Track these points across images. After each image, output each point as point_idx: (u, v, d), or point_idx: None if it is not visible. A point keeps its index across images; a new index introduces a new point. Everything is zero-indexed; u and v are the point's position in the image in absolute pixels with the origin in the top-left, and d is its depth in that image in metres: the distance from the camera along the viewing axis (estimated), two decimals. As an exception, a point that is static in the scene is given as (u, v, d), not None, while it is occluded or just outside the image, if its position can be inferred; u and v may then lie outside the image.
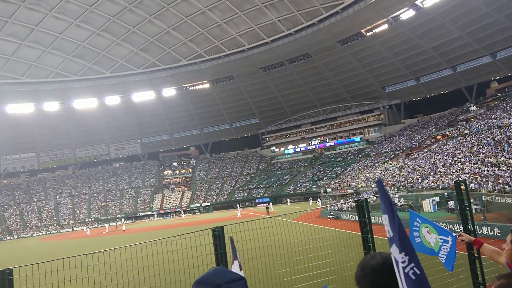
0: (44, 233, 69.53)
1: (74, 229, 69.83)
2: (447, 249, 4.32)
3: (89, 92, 75.39)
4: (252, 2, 57.86)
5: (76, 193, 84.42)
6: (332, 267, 7.19)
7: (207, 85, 78.31)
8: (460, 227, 6.68)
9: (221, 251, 5.61)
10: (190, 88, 79.38)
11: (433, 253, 4.53)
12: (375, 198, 34.17)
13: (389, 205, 1.72)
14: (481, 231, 16.49)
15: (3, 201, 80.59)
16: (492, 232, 16.24)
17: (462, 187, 6.70)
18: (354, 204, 7.85)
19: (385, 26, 57.81)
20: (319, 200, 50.75)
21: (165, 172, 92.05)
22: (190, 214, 74.46)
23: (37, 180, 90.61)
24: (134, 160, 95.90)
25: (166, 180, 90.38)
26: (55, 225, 73.64)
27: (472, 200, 21.86)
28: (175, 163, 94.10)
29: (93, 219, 75.22)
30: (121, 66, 71.63)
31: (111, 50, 67.67)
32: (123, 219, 70.13)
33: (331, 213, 33.60)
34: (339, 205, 36.18)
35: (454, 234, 4.30)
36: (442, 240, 4.36)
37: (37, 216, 76.33)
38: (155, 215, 75.90)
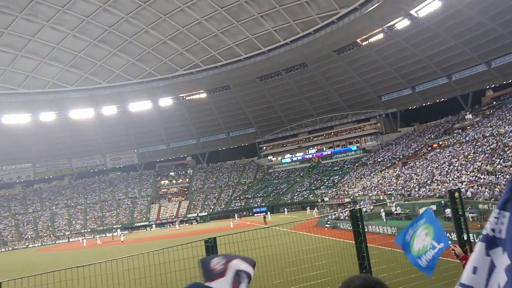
0: (39, 244, 68.88)
1: (70, 240, 69.25)
2: (431, 254, 4.26)
3: (85, 102, 75.31)
4: (249, 12, 58.22)
5: (72, 204, 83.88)
6: (326, 277, 7.12)
7: (203, 95, 78.42)
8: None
9: (214, 263, 5.56)
10: (187, 97, 79.47)
11: (410, 257, 4.46)
12: (372, 207, 34.12)
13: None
14: (478, 239, 16.40)
15: (-2, 212, 79.99)
16: (489, 241, 16.16)
17: (457, 195, 6.70)
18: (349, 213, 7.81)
19: (381, 36, 58.20)
20: (316, 209, 50.62)
21: (162, 182, 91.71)
22: (187, 224, 74.04)
23: (33, 190, 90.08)
24: (130, 170, 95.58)
25: (162, 190, 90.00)
26: (51, 236, 73.03)
27: (468, 208, 21.92)
28: (172, 173, 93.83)
29: (89, 230, 74.64)
30: (117, 76, 71.70)
31: (107, 61, 67.76)
32: (119, 230, 69.72)
33: (328, 222, 33.47)
34: (336, 214, 36.07)
35: (450, 243, 4.25)
36: (430, 245, 4.31)
37: (33, 227, 75.72)
38: (153, 225, 75.42)
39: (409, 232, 4.65)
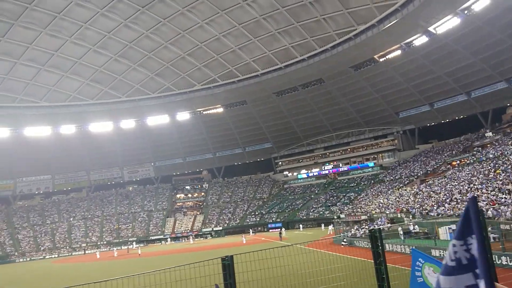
0: (56, 255, 69.60)
1: (86, 252, 69.78)
2: None
3: (104, 115, 76.62)
4: (266, 28, 58.79)
5: (89, 216, 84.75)
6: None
7: (220, 110, 79.01)
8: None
9: (231, 281, 5.51)
10: (204, 112, 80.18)
11: None
12: (389, 225, 33.56)
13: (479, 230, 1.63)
14: (500, 261, 15.97)
15: (17, 223, 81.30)
16: None
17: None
18: (367, 232, 7.68)
19: (398, 52, 57.99)
20: (332, 226, 49.95)
21: (178, 195, 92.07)
22: (202, 238, 73.91)
23: (52, 202, 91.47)
24: (147, 183, 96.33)
25: (178, 204, 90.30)
26: (67, 247, 73.74)
27: (489, 229, 21.38)
28: (187, 187, 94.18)
29: (105, 242, 75.15)
30: (136, 91, 72.87)
31: (127, 75, 69.01)
32: (134, 243, 70.02)
33: (345, 240, 33.01)
34: (352, 232, 35.57)
35: None
36: None
37: (50, 239, 76.62)
38: (168, 239, 75.51)
39: (417, 275, 4.56)
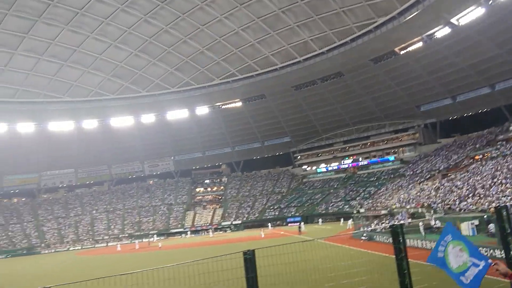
0: (79, 247, 71.26)
1: (109, 244, 71.24)
2: (473, 272, 4.08)
3: (125, 110, 77.70)
4: (285, 22, 58.48)
5: (111, 209, 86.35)
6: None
7: (239, 104, 79.18)
8: (501, 252, 6.37)
9: (253, 275, 5.58)
10: (223, 106, 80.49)
11: (451, 274, 4.32)
12: (410, 220, 33.23)
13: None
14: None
15: (42, 216, 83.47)
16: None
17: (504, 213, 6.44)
18: (388, 227, 7.66)
19: (420, 44, 56.95)
20: (352, 220, 49.69)
21: (197, 189, 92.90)
22: (221, 232, 74.52)
23: (75, 195, 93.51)
24: (167, 177, 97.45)
25: (198, 198, 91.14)
26: (90, 239, 75.41)
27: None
28: (207, 181, 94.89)
29: (126, 235, 76.53)
30: (156, 85, 73.60)
31: (147, 70, 69.75)
32: (155, 236, 71.09)
33: (364, 234, 32.85)
34: (372, 226, 35.35)
35: (489, 261, 4.05)
36: (471, 263, 4.14)
37: (74, 231, 78.46)
38: (188, 232, 76.41)
39: (440, 249, 4.52)
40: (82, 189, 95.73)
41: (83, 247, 71.50)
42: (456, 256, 4.32)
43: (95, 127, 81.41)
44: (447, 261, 4.41)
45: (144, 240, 69.03)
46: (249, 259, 5.68)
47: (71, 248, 70.78)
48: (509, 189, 30.37)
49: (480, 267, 4.10)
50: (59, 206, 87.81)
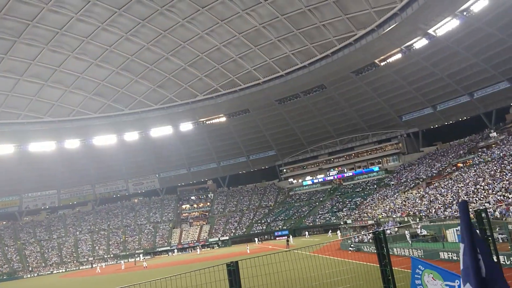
0: (63, 270, 69.54)
1: (93, 265, 69.68)
2: None
3: (108, 128, 76.97)
4: (266, 37, 59.11)
5: (96, 229, 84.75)
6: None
7: (223, 119, 79.20)
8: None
9: (236, 287, 5.50)
10: (207, 122, 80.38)
11: None
12: (396, 229, 33.37)
13: (468, 233, 1.64)
14: (509, 261, 15.83)
15: (24, 239, 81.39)
16: (520, 263, 15.55)
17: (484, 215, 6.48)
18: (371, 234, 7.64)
19: (399, 56, 58.09)
20: (339, 231, 49.74)
21: (183, 206, 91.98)
22: (208, 248, 73.67)
23: (58, 217, 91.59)
24: (152, 195, 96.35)
25: (184, 214, 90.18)
26: (74, 261, 73.68)
27: (497, 229, 21.19)
28: (193, 197, 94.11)
29: (112, 255, 75.05)
30: (139, 103, 73.24)
31: (129, 88, 69.43)
32: (141, 255, 69.89)
33: (352, 245, 32.83)
34: (359, 237, 35.38)
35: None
36: (448, 287, 4.17)
37: (57, 253, 76.62)
38: (175, 250, 75.34)
39: (417, 282, 4.53)
40: (65, 210, 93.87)
41: (67, 269, 69.78)
42: (433, 285, 4.35)
43: (77, 147, 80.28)
44: None
45: (130, 260, 67.76)
46: (233, 270, 5.61)
47: (54, 271, 69.03)
48: (492, 195, 30.84)
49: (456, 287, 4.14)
50: (42, 228, 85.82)
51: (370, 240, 32.69)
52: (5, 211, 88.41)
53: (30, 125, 70.86)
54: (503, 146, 46.26)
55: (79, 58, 60.66)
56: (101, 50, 60.03)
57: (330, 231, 59.29)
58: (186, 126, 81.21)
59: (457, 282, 4.05)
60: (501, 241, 19.41)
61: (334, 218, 66.35)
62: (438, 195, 40.44)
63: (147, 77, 67.57)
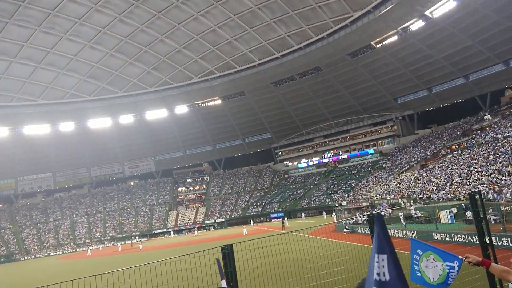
0: (61, 252, 70.00)
1: (90, 248, 70.12)
2: (454, 274, 4.16)
3: (103, 111, 76.52)
4: (261, 18, 58.45)
5: (92, 212, 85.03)
6: (344, 284, 7.04)
7: (218, 102, 78.86)
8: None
9: (231, 270, 5.55)
10: (202, 104, 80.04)
11: (439, 286, 4.35)
12: (390, 211, 33.72)
13: (389, 244, 1.67)
14: (501, 242, 16.08)
15: (20, 222, 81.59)
16: (512, 244, 15.80)
17: (477, 197, 6.54)
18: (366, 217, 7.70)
19: (395, 38, 57.72)
20: (334, 213, 50.21)
21: (179, 189, 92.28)
22: (205, 230, 74.29)
23: (54, 199, 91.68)
24: (148, 177, 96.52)
25: (180, 197, 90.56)
26: (71, 244, 74.11)
27: (490, 211, 21.48)
28: (189, 180, 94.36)
29: (108, 238, 75.52)
30: (134, 85, 72.68)
31: (124, 70, 68.77)
32: (138, 237, 70.37)
33: (347, 227, 33.21)
34: (354, 219, 35.74)
35: (460, 257, 4.12)
36: (448, 267, 4.21)
37: (54, 236, 76.98)
38: (171, 232, 75.90)
39: (416, 268, 4.54)
40: (61, 193, 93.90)
41: (64, 252, 70.24)
42: (433, 267, 4.35)
43: (72, 130, 79.89)
44: (426, 278, 4.44)
45: (127, 242, 68.26)
46: (228, 253, 5.65)
47: (51, 254, 69.45)
48: (485, 177, 31.12)
49: (456, 268, 4.17)
50: (38, 211, 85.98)
51: (365, 222, 33.07)
52: (1, 194, 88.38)
53: (24, 108, 70.31)
54: (497, 128, 46.48)
55: (72, 40, 59.85)
56: (95, 31, 59.22)
57: (325, 213, 59.84)
58: (181, 109, 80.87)
59: (456, 263, 4.09)
60: (493, 222, 19.70)
61: (329, 200, 66.89)
62: (432, 177, 40.79)
63: (141, 59, 66.89)
